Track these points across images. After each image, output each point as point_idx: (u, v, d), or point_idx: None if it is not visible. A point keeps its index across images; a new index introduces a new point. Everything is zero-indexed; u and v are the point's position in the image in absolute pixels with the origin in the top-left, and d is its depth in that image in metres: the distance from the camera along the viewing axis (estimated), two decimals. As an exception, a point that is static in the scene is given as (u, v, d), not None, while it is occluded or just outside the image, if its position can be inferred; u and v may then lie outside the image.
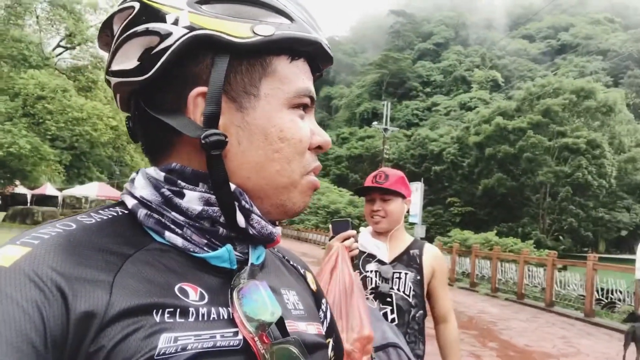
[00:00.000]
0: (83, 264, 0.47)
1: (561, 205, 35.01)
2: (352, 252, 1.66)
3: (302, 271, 0.75)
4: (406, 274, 1.96)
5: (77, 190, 30.38)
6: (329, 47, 0.62)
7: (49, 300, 0.44)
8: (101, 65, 27.76)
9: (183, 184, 0.56)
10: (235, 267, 0.57)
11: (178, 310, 0.50)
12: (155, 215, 0.55)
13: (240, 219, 0.56)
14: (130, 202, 0.57)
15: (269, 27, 0.56)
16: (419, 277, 1.96)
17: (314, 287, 0.75)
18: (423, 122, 62.92)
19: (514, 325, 9.43)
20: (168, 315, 0.49)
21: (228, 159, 0.57)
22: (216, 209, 0.56)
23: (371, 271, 1.96)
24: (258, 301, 0.54)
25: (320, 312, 0.74)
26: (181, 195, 0.55)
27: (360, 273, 1.92)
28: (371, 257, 1.99)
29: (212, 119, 0.56)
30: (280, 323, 0.55)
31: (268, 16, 0.57)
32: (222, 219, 0.56)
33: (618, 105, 39.01)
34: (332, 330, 0.75)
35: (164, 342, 0.46)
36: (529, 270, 13.05)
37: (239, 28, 0.55)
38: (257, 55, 0.57)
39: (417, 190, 19.13)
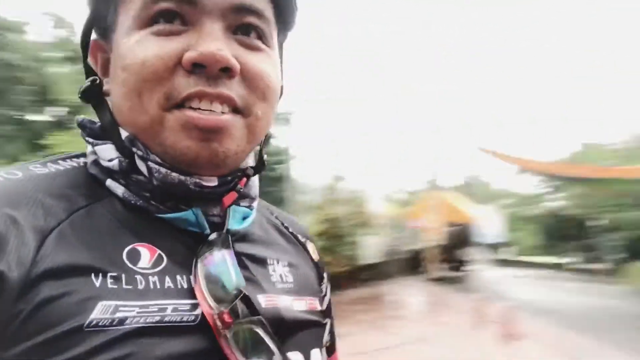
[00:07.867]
0: (19, 211, 0.42)
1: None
2: None
3: (302, 240, 0.68)
4: None
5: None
6: None
7: None
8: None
9: (90, 139, 0.52)
10: (207, 231, 0.50)
11: (123, 276, 0.43)
12: (102, 163, 0.50)
13: (143, 168, 0.49)
14: (88, 150, 0.52)
15: None
16: None
17: (315, 257, 0.68)
18: None
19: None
20: (112, 280, 0.42)
21: (113, 106, 0.51)
22: (126, 160, 0.49)
23: None
24: (222, 274, 0.47)
25: (323, 286, 0.67)
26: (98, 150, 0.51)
27: None
28: None
29: (87, 67, 0.52)
30: (248, 300, 0.47)
31: None
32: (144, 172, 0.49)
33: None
34: (330, 311, 0.68)
35: (100, 311, 0.40)
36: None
37: None
38: None
39: None
